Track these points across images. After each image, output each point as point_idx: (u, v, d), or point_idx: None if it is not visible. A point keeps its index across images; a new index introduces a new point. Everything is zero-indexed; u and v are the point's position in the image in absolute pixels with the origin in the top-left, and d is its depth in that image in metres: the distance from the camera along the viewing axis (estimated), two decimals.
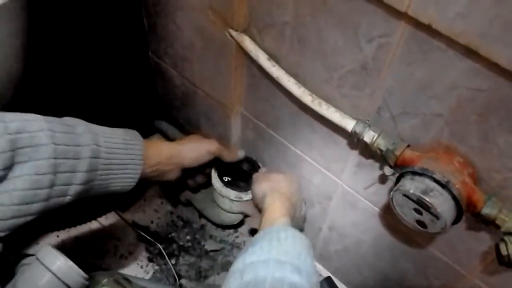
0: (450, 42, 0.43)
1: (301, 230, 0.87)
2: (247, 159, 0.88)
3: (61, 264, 0.55)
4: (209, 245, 0.96)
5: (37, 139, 0.51)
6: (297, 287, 0.49)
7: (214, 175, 0.86)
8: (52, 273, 0.54)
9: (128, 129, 0.66)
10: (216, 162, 0.86)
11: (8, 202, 0.49)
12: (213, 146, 0.78)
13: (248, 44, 0.65)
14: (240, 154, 0.86)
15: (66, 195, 0.54)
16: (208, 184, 0.89)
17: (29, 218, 0.52)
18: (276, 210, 0.66)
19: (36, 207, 0.51)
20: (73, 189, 0.55)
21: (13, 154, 0.49)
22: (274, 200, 0.68)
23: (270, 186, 0.72)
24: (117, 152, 0.60)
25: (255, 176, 0.79)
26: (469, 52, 0.43)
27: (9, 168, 0.49)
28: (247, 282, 0.50)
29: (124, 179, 0.62)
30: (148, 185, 1.01)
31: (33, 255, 0.59)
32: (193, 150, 0.76)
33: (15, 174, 0.50)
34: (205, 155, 0.77)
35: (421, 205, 0.50)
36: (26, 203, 0.50)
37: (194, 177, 0.86)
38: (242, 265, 0.52)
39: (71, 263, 0.55)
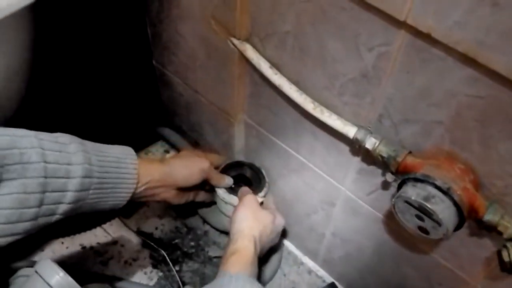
0: (449, 50, 0.44)
1: None
2: (250, 166, 0.88)
3: (60, 279, 0.55)
4: (212, 252, 0.96)
5: (27, 156, 0.49)
6: None
7: None
8: (51, 287, 0.54)
9: (123, 146, 0.64)
10: (220, 169, 0.87)
11: None
12: (205, 164, 0.77)
13: (250, 52, 0.66)
14: (229, 181, 0.85)
15: (55, 214, 0.53)
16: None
17: (15, 237, 0.50)
18: (248, 257, 0.66)
19: (22, 226, 0.50)
20: (62, 208, 0.54)
21: (0, 171, 0.48)
22: (251, 246, 0.67)
23: (254, 227, 0.71)
24: (110, 171, 0.59)
25: (246, 200, 0.76)
26: (468, 60, 0.43)
27: None
28: None
29: (115, 198, 0.61)
30: None
31: (28, 266, 0.58)
32: (184, 169, 0.74)
33: (3, 192, 0.48)
34: (196, 174, 0.76)
35: (423, 212, 0.51)
36: (12, 222, 0.49)
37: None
38: None
39: (70, 278, 0.56)
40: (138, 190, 0.65)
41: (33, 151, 0.50)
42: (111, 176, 0.59)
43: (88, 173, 0.55)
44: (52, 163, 0.52)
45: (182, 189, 0.76)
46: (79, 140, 0.57)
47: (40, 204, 0.51)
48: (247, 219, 0.72)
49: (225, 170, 0.87)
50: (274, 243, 0.80)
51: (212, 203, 0.92)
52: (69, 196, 0.54)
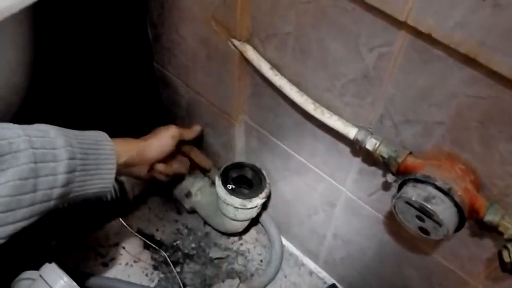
0: (450, 50, 0.44)
1: None
2: (251, 167, 0.89)
3: (64, 283, 0.55)
4: (213, 253, 0.96)
5: (15, 145, 0.51)
6: None
7: (218, 182, 0.86)
8: None
9: (96, 130, 0.66)
10: (221, 171, 0.87)
11: None
12: (172, 129, 0.81)
13: (251, 53, 0.66)
14: (197, 129, 0.90)
15: (51, 199, 0.55)
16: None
17: (16, 226, 0.52)
18: None
19: (21, 213, 0.51)
20: (56, 192, 0.55)
21: None
22: None
23: None
24: (90, 153, 0.60)
25: None
26: (469, 61, 0.43)
27: None
28: None
29: (100, 180, 0.62)
30: (153, 193, 1.02)
31: (31, 269, 0.58)
32: (156, 140, 0.78)
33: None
34: (168, 140, 0.80)
35: (424, 212, 0.51)
36: (12, 210, 0.50)
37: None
38: None
39: (74, 283, 0.56)
40: (119, 170, 0.67)
41: (20, 139, 0.52)
42: (92, 158, 0.60)
43: (72, 155, 0.57)
44: (40, 149, 0.53)
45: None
46: (56, 127, 0.59)
47: (35, 189, 0.52)
48: None
49: (226, 171, 0.88)
50: None
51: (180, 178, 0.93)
52: (61, 178, 0.55)
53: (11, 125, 0.54)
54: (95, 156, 0.61)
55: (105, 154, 0.63)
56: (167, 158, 0.82)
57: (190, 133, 0.89)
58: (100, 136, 0.65)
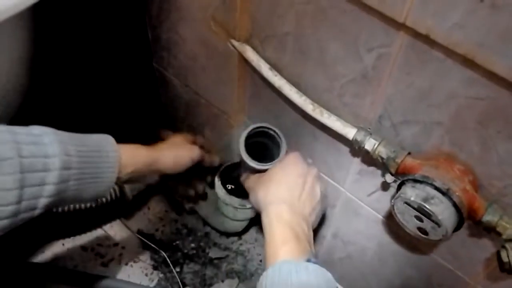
0: (448, 51, 0.44)
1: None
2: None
3: None
4: (213, 253, 0.96)
5: (0, 152, 0.47)
6: None
7: (217, 183, 0.86)
8: None
9: (102, 134, 0.61)
10: (220, 171, 0.87)
11: None
12: (195, 153, 0.75)
13: (250, 54, 0.66)
14: (216, 160, 0.85)
15: (36, 208, 0.51)
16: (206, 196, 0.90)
17: None
18: (274, 237, 0.56)
19: (1, 224, 0.48)
20: (43, 202, 0.51)
21: None
22: (271, 221, 0.57)
23: (265, 195, 0.61)
24: (89, 161, 0.56)
25: (247, 181, 0.70)
26: (467, 62, 0.43)
27: None
28: None
29: (97, 188, 0.58)
30: (152, 193, 1.02)
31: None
32: (172, 157, 0.71)
33: None
34: (185, 164, 0.73)
35: (422, 213, 0.51)
36: None
37: (194, 187, 0.86)
38: None
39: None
40: (123, 179, 0.63)
41: (7, 146, 0.48)
42: (91, 166, 0.56)
43: (66, 164, 0.52)
44: (29, 157, 0.49)
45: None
46: (53, 130, 0.54)
47: (20, 200, 0.48)
48: (258, 196, 0.62)
49: (226, 171, 0.87)
50: (316, 184, 0.65)
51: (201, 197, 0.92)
52: (49, 189, 0.51)
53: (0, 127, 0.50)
54: (95, 164, 0.57)
55: (107, 162, 0.58)
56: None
57: (210, 161, 0.82)
58: (105, 142, 0.60)
